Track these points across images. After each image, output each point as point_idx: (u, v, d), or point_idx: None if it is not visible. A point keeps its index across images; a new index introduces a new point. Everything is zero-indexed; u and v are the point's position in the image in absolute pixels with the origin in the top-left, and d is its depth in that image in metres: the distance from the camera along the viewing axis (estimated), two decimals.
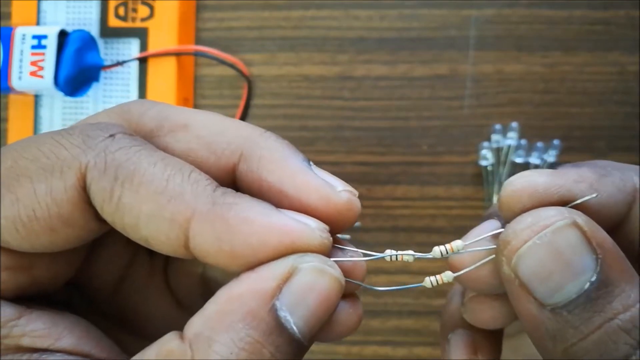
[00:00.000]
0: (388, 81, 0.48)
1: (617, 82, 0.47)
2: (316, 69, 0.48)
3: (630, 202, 0.19)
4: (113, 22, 0.47)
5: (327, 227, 0.18)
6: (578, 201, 0.18)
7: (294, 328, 0.17)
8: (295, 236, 0.17)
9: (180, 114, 0.20)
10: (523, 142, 0.46)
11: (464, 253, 0.20)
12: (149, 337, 0.18)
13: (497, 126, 0.47)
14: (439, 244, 0.20)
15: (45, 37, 0.45)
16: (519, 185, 0.18)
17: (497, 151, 0.47)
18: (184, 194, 0.17)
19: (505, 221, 0.19)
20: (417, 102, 0.48)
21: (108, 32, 0.48)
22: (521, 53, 0.48)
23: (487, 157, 0.46)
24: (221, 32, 0.49)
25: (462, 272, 0.20)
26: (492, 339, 0.23)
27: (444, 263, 0.20)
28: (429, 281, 0.20)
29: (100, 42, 0.48)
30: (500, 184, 0.46)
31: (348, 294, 0.18)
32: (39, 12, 0.48)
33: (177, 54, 0.47)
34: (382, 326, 0.47)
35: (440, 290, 0.47)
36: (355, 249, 0.19)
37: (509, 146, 0.46)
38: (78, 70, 0.46)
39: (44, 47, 0.45)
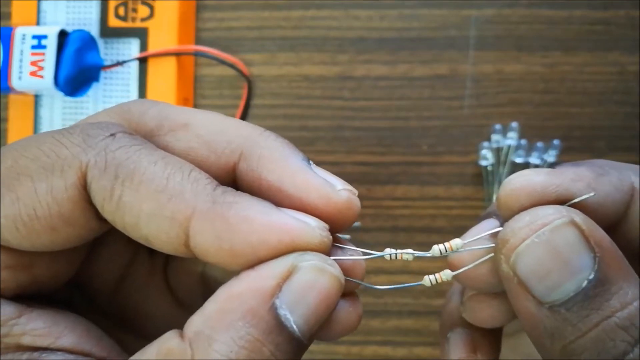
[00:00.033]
0: (388, 81, 0.48)
1: (617, 82, 0.47)
2: (316, 69, 0.48)
3: (627, 201, 0.19)
4: (113, 22, 0.48)
5: (327, 225, 0.18)
6: (576, 200, 0.18)
7: (294, 327, 0.17)
8: (295, 235, 0.17)
9: (180, 113, 0.20)
10: (523, 142, 0.46)
11: (463, 252, 0.20)
12: (149, 336, 0.18)
13: (497, 126, 0.47)
14: (439, 244, 0.20)
15: (45, 37, 0.45)
16: (517, 184, 0.18)
17: (497, 151, 0.47)
18: (184, 193, 0.17)
19: (503, 220, 0.19)
20: (417, 102, 0.48)
21: (108, 32, 0.48)
22: (521, 53, 0.48)
23: (487, 157, 0.46)
24: (221, 32, 0.49)
25: (461, 270, 0.20)
26: (491, 337, 0.23)
27: (444, 263, 0.20)
28: (428, 280, 0.20)
29: (100, 42, 0.48)
30: (500, 184, 0.46)
31: (348, 292, 0.18)
32: (39, 12, 0.48)
33: (177, 54, 0.47)
34: (382, 326, 0.47)
35: (440, 290, 0.47)
36: (355, 248, 0.19)
37: (509, 146, 0.46)
38: (78, 70, 0.46)
39: (44, 47, 0.45)
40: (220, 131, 0.19)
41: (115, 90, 0.48)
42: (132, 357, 0.17)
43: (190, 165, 0.18)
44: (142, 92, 0.47)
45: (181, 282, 0.23)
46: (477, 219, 0.21)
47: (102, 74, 0.48)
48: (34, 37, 0.45)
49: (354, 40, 0.48)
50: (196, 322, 0.17)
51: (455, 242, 0.20)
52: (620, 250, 0.18)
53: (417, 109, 0.48)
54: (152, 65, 0.47)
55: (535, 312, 0.17)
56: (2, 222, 0.17)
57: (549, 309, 0.17)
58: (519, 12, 0.48)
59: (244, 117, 0.48)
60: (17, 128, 0.48)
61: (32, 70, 0.45)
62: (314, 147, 0.48)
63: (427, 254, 0.20)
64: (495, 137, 0.47)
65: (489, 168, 0.47)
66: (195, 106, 0.49)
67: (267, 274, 0.17)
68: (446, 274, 0.20)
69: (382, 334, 0.47)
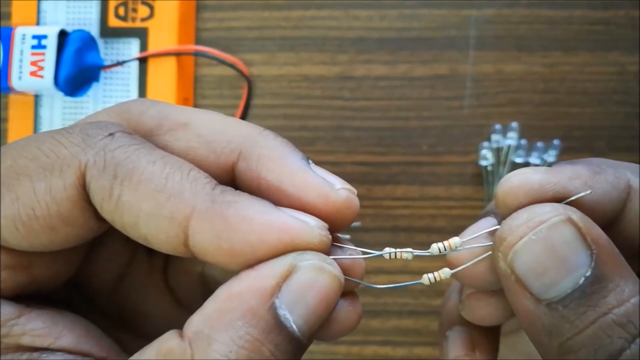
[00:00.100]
0: (388, 81, 0.48)
1: (617, 82, 0.47)
2: (316, 69, 0.48)
3: (624, 199, 0.19)
4: (113, 22, 0.48)
5: (326, 225, 0.18)
6: (573, 198, 0.18)
7: (294, 326, 0.17)
8: (294, 234, 0.17)
9: (180, 113, 0.20)
10: (523, 142, 0.46)
11: (461, 250, 0.20)
12: (149, 335, 0.18)
13: (497, 126, 0.47)
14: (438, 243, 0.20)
15: (45, 37, 0.45)
16: (515, 182, 0.19)
17: (497, 151, 0.47)
18: (183, 192, 0.17)
19: (501, 218, 0.19)
20: (417, 102, 0.48)
21: (108, 32, 0.48)
22: (521, 53, 0.48)
23: (487, 157, 0.46)
24: (221, 32, 0.49)
25: (459, 268, 0.20)
26: (490, 336, 0.23)
27: (444, 264, 0.20)
28: (427, 278, 0.20)
29: (100, 42, 0.48)
30: None
31: (347, 292, 0.18)
32: (39, 12, 0.48)
33: (177, 54, 0.47)
34: (382, 326, 0.47)
35: (440, 290, 0.47)
36: (355, 247, 0.19)
37: (509, 146, 0.46)
38: (78, 70, 0.46)
39: (44, 47, 0.45)
40: (220, 131, 0.19)
41: (115, 90, 0.48)
42: (131, 357, 0.17)
43: (189, 165, 0.18)
44: (142, 92, 0.47)
45: (180, 282, 0.23)
46: (476, 218, 0.21)
47: (102, 74, 0.48)
48: (34, 37, 0.45)
49: (354, 40, 0.48)
50: (196, 321, 0.17)
51: (454, 241, 0.20)
52: (616, 248, 0.18)
53: (417, 109, 0.48)
54: (152, 65, 0.47)
55: (532, 310, 0.17)
56: (2, 222, 0.17)
57: (546, 306, 0.17)
58: (519, 12, 0.48)
59: (244, 117, 0.48)
60: (17, 128, 0.48)
61: (32, 70, 0.45)
62: (314, 147, 0.48)
63: (426, 253, 0.20)
64: (495, 137, 0.47)
65: (489, 168, 0.47)
66: (195, 106, 0.49)
67: (267, 273, 0.17)
68: (445, 273, 0.20)
69: (381, 334, 0.47)
